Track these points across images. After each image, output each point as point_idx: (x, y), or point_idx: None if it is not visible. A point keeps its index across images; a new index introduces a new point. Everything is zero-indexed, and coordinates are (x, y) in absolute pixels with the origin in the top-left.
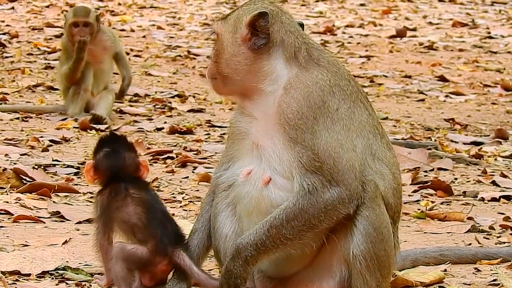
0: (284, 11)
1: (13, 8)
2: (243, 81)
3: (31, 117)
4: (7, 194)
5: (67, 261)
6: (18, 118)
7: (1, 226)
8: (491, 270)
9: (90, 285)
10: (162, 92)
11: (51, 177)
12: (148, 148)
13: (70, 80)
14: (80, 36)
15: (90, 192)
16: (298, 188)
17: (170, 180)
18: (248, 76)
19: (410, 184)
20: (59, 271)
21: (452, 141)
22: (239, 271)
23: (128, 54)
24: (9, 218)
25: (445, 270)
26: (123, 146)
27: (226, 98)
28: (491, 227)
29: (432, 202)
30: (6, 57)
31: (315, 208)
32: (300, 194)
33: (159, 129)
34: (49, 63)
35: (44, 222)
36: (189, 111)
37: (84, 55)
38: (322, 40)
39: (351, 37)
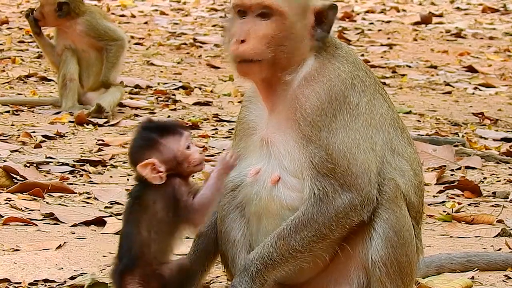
0: None
1: None
2: (282, 68)
3: (22, 111)
4: None
5: (62, 268)
6: (8, 112)
7: None
8: None
9: None
10: (165, 83)
11: (44, 175)
12: None
13: (48, 61)
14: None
15: (86, 192)
16: (308, 193)
17: None
18: (289, 64)
19: (435, 184)
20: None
21: (481, 137)
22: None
23: (128, 42)
24: None
25: (473, 278)
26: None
27: (249, 82)
28: None
29: (459, 203)
30: None
31: (325, 217)
32: (310, 202)
33: None
34: (42, 52)
35: (37, 225)
36: (194, 104)
37: (36, 30)
38: (340, 27)
39: (371, 23)
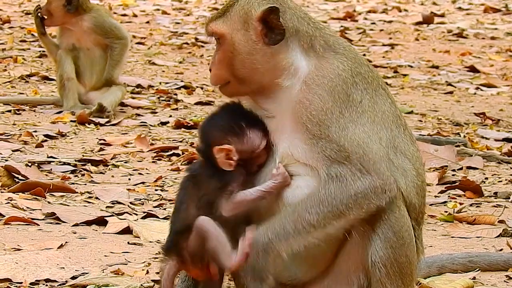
0: None
1: None
2: (261, 79)
3: (24, 110)
4: None
5: (63, 267)
6: (10, 111)
7: None
8: None
9: None
10: (167, 83)
11: (46, 175)
12: (152, 144)
13: (53, 60)
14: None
15: (88, 192)
16: (325, 177)
17: (176, 179)
18: (267, 73)
19: (437, 184)
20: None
21: (482, 137)
22: (261, 263)
23: (130, 41)
24: (0, 220)
25: (474, 278)
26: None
27: (238, 99)
28: None
29: (461, 203)
30: None
31: (344, 195)
32: (327, 181)
33: (163, 123)
34: (43, 51)
35: (38, 224)
36: (196, 103)
37: (41, 30)
38: (342, 26)
39: (373, 23)
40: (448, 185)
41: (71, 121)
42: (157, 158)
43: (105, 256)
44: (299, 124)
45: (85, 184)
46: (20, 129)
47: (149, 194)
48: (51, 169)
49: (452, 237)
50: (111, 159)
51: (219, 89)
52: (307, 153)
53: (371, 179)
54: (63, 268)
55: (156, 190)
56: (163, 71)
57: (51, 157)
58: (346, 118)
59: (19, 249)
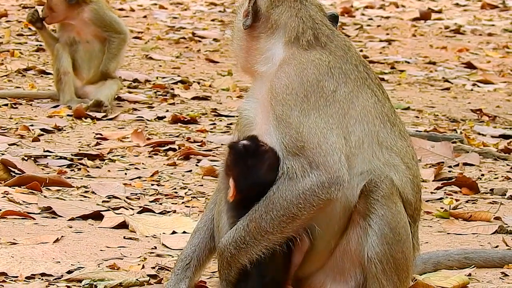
0: None
1: None
2: (245, 61)
3: (20, 104)
4: None
5: (59, 261)
6: (6, 105)
7: None
8: None
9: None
10: (164, 77)
11: (42, 169)
12: (148, 139)
13: (50, 53)
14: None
15: (84, 186)
16: (279, 173)
17: (172, 173)
18: (247, 56)
19: (433, 181)
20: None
21: (479, 133)
22: (224, 273)
23: (129, 37)
24: None
25: (470, 275)
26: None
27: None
28: None
29: (457, 200)
30: None
31: (293, 195)
32: (280, 181)
33: (160, 118)
34: (41, 45)
35: (34, 218)
36: (193, 98)
37: (37, 25)
38: (339, 22)
39: (370, 19)
40: (444, 181)
41: (68, 115)
42: (153, 152)
43: (101, 250)
44: (268, 105)
45: (81, 179)
46: (16, 123)
47: (145, 189)
48: (47, 163)
49: (448, 233)
50: (108, 153)
51: None
52: (273, 138)
53: (318, 174)
54: (59, 262)
55: (152, 184)
56: (160, 66)
57: (48, 151)
58: (311, 103)
59: (14, 243)
